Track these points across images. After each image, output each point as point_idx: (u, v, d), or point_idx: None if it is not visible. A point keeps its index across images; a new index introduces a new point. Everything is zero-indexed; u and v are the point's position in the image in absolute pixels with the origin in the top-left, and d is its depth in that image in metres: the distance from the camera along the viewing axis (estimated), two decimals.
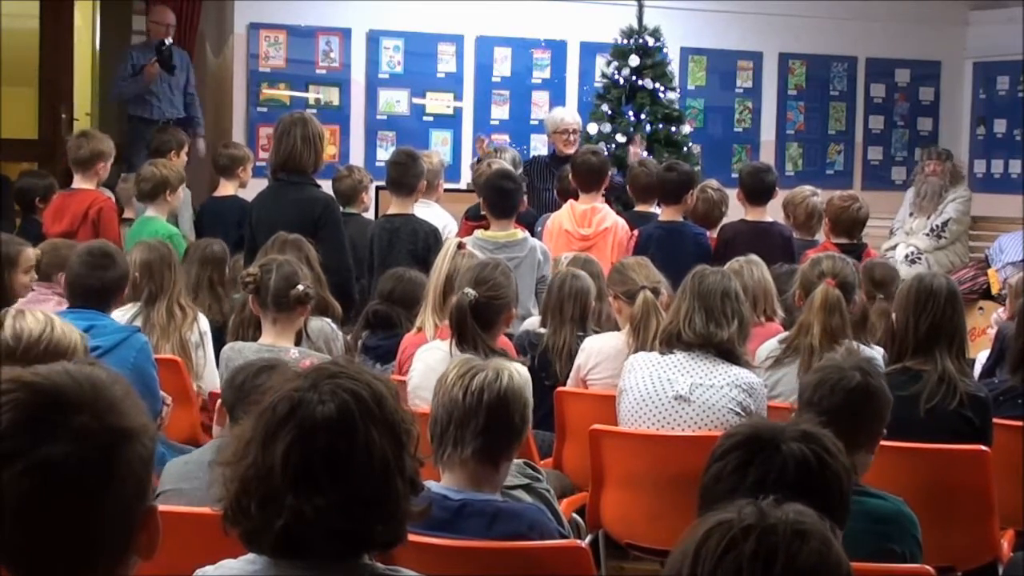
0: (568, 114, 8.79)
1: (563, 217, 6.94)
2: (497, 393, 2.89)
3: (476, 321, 4.17)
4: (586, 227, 6.82)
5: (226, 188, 7.92)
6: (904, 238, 9.78)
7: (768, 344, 4.74)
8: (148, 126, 9.06)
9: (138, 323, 4.97)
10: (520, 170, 7.93)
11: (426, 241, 6.42)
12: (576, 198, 7.07)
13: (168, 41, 9.24)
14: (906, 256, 9.53)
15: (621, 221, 6.93)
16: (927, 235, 9.65)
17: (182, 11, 9.65)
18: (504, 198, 6.28)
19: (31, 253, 5.37)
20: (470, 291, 4.18)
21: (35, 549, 1.54)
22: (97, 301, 4.64)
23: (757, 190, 7.02)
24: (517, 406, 2.92)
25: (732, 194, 7.43)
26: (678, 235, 6.75)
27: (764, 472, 2.25)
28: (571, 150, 8.23)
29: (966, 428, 4.12)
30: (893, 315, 4.44)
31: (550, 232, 6.92)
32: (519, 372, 2.98)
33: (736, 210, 7.33)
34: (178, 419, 4.72)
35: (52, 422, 1.55)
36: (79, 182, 7.05)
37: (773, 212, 7.15)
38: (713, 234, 7.08)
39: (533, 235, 7.00)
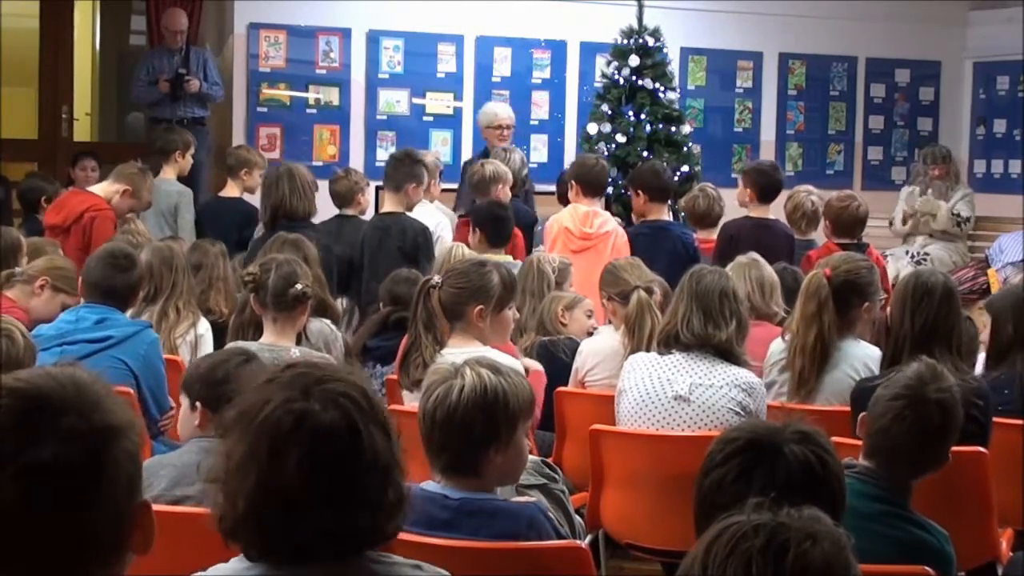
0: (502, 109, 8.76)
1: (564, 217, 6.91)
2: (448, 410, 2.80)
3: (444, 311, 4.20)
4: (588, 227, 6.80)
5: (231, 189, 7.93)
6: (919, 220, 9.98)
7: (778, 343, 4.71)
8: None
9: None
10: (526, 171, 7.93)
11: (414, 240, 6.45)
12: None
13: (183, 71, 9.28)
14: (911, 256, 9.57)
15: (620, 228, 6.92)
16: (951, 215, 9.88)
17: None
18: (501, 226, 6.39)
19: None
20: (435, 278, 4.26)
21: (29, 551, 1.54)
22: (113, 301, 4.73)
23: (768, 186, 7.03)
24: (475, 416, 2.80)
25: (731, 194, 7.43)
26: (663, 233, 6.75)
27: (769, 477, 2.24)
28: (504, 146, 8.13)
29: (974, 428, 4.09)
30: (888, 312, 4.42)
31: (549, 231, 6.91)
32: (480, 377, 2.84)
33: (734, 211, 7.32)
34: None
35: (38, 425, 1.55)
36: (99, 187, 7.05)
37: (776, 212, 7.15)
38: (711, 234, 7.07)
39: (532, 235, 7.01)
